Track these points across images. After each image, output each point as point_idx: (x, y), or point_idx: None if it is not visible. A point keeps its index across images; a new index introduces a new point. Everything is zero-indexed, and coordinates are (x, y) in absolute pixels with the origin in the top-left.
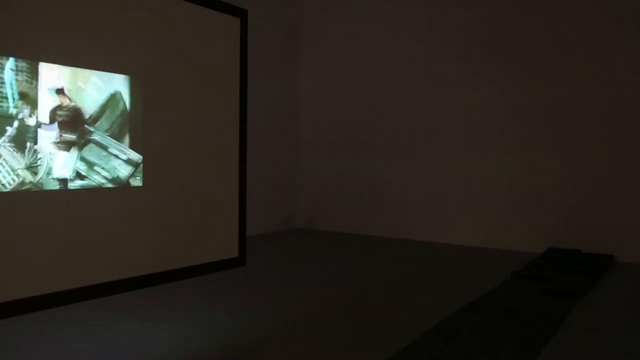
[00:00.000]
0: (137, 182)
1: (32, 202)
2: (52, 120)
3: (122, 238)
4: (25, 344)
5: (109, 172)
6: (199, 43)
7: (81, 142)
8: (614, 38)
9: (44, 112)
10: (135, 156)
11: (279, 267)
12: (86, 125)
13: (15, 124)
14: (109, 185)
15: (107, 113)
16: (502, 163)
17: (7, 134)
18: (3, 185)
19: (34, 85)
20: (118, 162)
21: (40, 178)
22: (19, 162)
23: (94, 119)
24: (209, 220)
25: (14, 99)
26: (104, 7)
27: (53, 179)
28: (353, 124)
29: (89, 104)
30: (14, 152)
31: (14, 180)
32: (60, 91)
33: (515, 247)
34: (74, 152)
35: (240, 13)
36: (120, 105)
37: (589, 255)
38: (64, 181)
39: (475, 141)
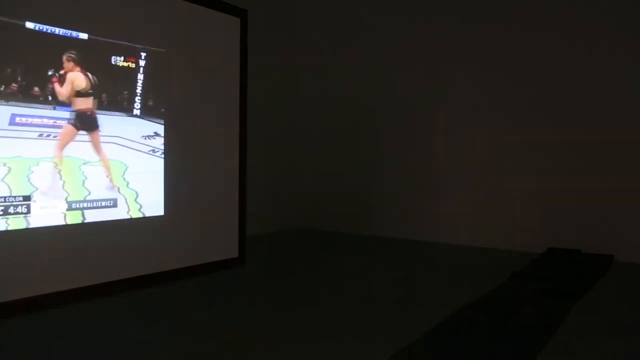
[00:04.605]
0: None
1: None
2: None
3: (121, 238)
4: (25, 344)
5: None
6: (199, 43)
7: None
8: (618, 33)
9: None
10: None
11: (279, 268)
12: None
13: None
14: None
15: None
16: (502, 163)
17: None
18: None
19: None
20: None
21: None
22: None
23: None
24: (209, 220)
25: None
26: (102, 7)
27: None
28: (353, 123)
29: None
30: None
31: None
32: None
33: (515, 247)
34: None
35: (240, 13)
36: None
37: (589, 255)
38: None
39: (475, 141)
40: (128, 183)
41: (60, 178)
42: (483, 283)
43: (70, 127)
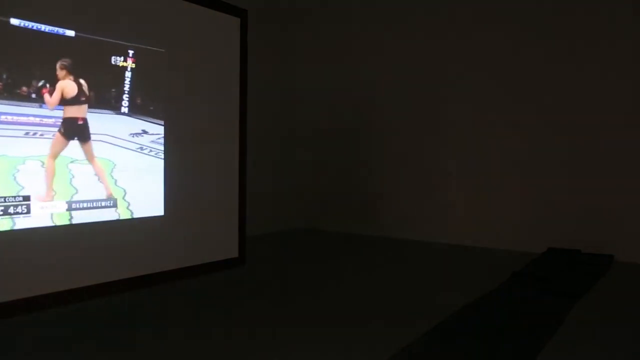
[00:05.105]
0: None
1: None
2: None
3: (121, 238)
4: (25, 344)
5: None
6: (199, 43)
7: None
8: (618, 31)
9: None
10: None
11: (279, 268)
12: None
13: None
14: None
15: None
16: (502, 163)
17: None
18: None
19: None
20: None
21: None
22: None
23: None
24: (209, 220)
25: None
26: (102, 7)
27: None
28: (353, 123)
29: None
30: None
31: None
32: None
33: (515, 247)
34: None
35: (240, 13)
36: None
37: (589, 255)
38: None
39: (476, 141)
40: (116, 181)
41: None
42: (483, 283)
43: (59, 136)
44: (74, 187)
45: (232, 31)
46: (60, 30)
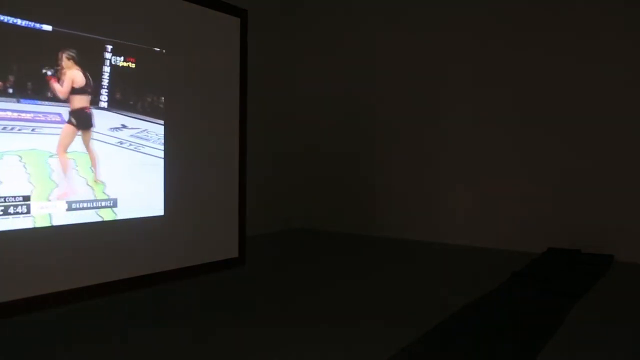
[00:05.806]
0: None
1: None
2: None
3: (121, 238)
4: (25, 344)
5: None
6: (199, 43)
7: None
8: (616, 35)
9: None
10: None
11: (279, 268)
12: None
13: None
14: None
15: None
16: (502, 163)
17: None
18: None
19: None
20: None
21: None
22: None
23: None
24: (209, 220)
25: None
26: (100, 6)
27: None
28: (353, 123)
29: None
30: None
31: None
32: None
33: (515, 247)
34: None
35: (240, 13)
36: None
37: (589, 255)
38: None
39: (475, 141)
40: (96, 175)
41: (26, 171)
42: (483, 283)
43: (70, 127)
44: (54, 182)
45: (232, 31)
46: (37, 25)
